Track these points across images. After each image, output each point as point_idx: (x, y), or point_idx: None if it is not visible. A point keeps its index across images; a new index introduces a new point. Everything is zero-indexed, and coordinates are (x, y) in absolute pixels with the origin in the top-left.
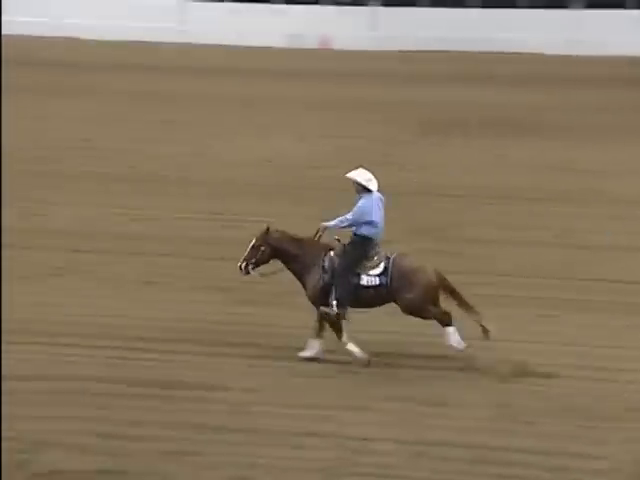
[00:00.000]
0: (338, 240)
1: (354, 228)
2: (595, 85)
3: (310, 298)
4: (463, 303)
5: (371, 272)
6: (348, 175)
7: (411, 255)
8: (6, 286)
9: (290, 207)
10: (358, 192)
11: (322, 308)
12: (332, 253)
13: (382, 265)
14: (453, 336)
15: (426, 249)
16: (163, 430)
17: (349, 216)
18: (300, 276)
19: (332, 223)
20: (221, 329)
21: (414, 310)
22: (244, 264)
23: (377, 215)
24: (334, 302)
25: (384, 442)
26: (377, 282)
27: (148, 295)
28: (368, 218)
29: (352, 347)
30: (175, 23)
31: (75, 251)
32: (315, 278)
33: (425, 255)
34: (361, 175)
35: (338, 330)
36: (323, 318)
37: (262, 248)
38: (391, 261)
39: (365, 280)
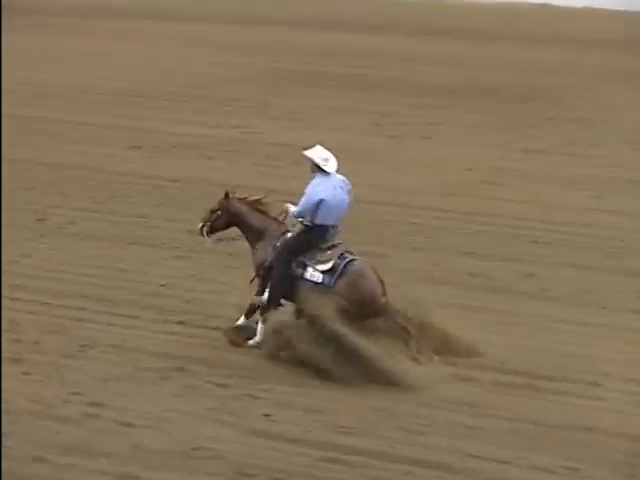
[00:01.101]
0: (302, 223)
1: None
2: None
3: (255, 271)
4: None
5: (318, 266)
6: (305, 152)
7: (369, 266)
8: None
9: None
10: (313, 172)
11: (255, 297)
12: (289, 234)
13: (331, 263)
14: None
15: None
16: None
17: (297, 207)
18: (252, 248)
19: (293, 209)
20: None
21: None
22: (200, 225)
23: (334, 200)
24: (267, 293)
25: None
26: (319, 280)
27: None
28: (318, 202)
29: (260, 328)
30: None
31: None
32: (263, 255)
33: None
34: (318, 153)
35: (251, 312)
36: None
37: (218, 212)
38: (343, 264)
39: (309, 273)
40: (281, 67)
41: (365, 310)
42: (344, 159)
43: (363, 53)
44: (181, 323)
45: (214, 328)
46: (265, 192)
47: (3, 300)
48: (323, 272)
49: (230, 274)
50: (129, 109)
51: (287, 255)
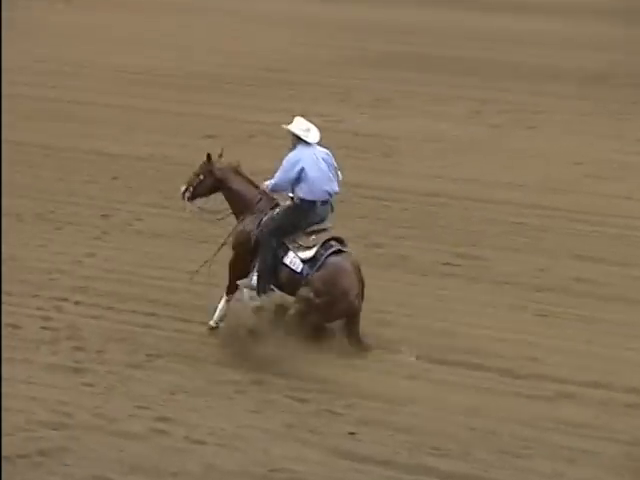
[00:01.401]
0: (292, 198)
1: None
2: None
3: (232, 244)
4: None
5: (300, 253)
6: (284, 127)
7: (354, 261)
8: None
9: None
10: (294, 145)
11: (240, 281)
12: (276, 211)
13: (314, 251)
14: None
15: None
16: None
17: (273, 179)
18: (237, 219)
19: (267, 183)
20: None
21: (307, 318)
22: (183, 189)
23: (317, 171)
24: (254, 276)
25: None
26: (298, 268)
27: None
28: (299, 172)
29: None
30: None
31: None
32: (250, 227)
33: None
34: (298, 125)
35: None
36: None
37: (200, 177)
38: (326, 254)
39: (289, 259)
40: (369, 48)
41: (334, 309)
42: (438, 150)
43: (460, 32)
44: (259, 332)
45: (295, 337)
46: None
47: (64, 304)
48: (304, 261)
49: None
50: (201, 95)
51: (269, 234)
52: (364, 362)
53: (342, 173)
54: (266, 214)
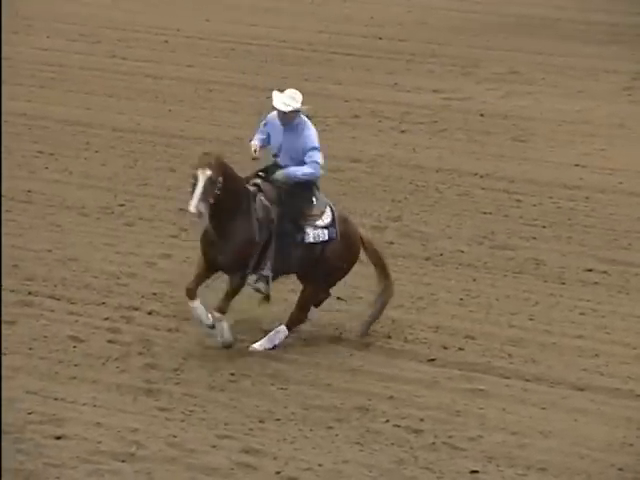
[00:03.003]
0: (260, 177)
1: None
2: None
3: (234, 257)
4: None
5: (318, 222)
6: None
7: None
8: None
9: None
10: (292, 119)
11: (255, 284)
12: (263, 198)
13: (329, 212)
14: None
15: None
16: None
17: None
18: (220, 223)
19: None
20: None
21: (328, 283)
22: (197, 202)
23: None
24: (269, 273)
25: None
26: (326, 236)
27: None
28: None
29: (225, 325)
30: None
31: None
32: (246, 230)
33: None
34: (283, 99)
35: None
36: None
37: (220, 181)
38: (333, 208)
39: (312, 235)
40: (501, 12)
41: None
42: (581, 134)
43: None
44: (362, 348)
45: (416, 354)
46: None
47: (134, 314)
48: (326, 227)
49: (426, 285)
50: (295, 67)
51: (291, 222)
52: (490, 386)
53: (463, 160)
54: (254, 206)
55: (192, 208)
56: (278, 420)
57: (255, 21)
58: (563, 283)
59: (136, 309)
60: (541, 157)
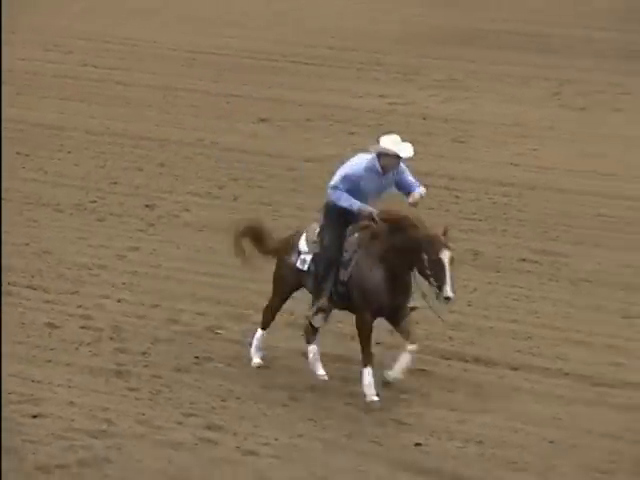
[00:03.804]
0: (374, 221)
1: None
2: None
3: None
4: None
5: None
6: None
7: None
8: None
9: None
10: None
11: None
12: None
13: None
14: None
15: None
16: None
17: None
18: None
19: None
20: None
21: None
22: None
23: None
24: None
25: None
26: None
27: None
28: None
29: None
30: None
31: None
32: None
33: None
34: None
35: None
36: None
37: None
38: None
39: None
40: (440, 24)
41: None
42: (514, 136)
43: (538, 7)
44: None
45: (352, 338)
46: None
47: (105, 302)
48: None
49: None
50: (255, 74)
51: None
52: (432, 367)
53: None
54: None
55: (451, 293)
56: (238, 399)
57: (217, 33)
58: (498, 272)
59: (107, 297)
60: (478, 157)
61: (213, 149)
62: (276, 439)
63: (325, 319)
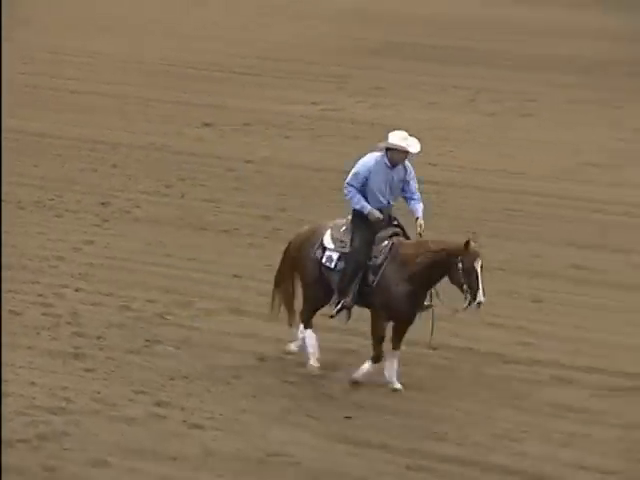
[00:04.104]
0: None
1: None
2: None
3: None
4: None
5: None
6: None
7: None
8: None
9: None
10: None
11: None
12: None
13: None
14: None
15: None
16: None
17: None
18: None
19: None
20: None
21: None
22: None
23: None
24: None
25: None
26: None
27: None
28: None
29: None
30: None
31: None
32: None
33: None
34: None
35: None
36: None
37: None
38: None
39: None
40: (365, 38)
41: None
42: (434, 139)
43: (456, 23)
44: (256, 317)
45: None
46: None
47: (64, 291)
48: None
49: None
50: (199, 83)
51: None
52: (359, 347)
53: (336, 161)
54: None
55: (483, 298)
56: (185, 378)
57: (164, 46)
58: None
59: (65, 287)
60: None
61: (161, 152)
62: (220, 414)
63: (348, 316)
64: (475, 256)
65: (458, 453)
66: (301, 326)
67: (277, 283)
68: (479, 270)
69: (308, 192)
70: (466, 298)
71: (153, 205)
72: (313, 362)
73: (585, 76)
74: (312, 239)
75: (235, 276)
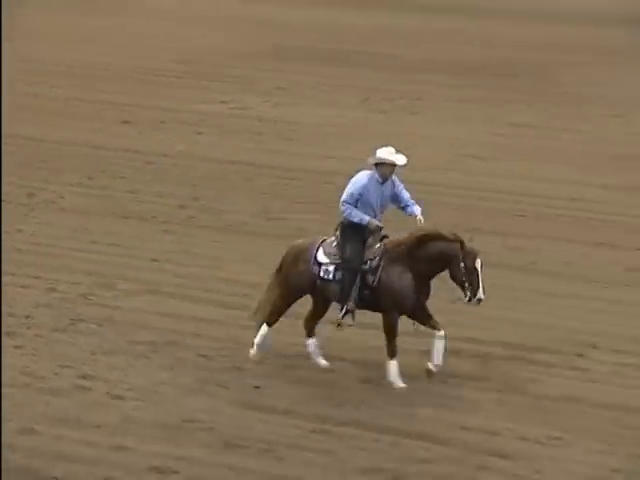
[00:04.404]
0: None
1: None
2: None
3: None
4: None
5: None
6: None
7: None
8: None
9: None
10: (389, 173)
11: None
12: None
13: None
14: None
15: None
16: None
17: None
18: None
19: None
20: None
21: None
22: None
23: None
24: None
25: None
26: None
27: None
28: None
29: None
30: None
31: None
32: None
33: None
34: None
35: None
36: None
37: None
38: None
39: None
40: (268, 43)
41: None
42: (331, 134)
43: (351, 30)
44: (173, 297)
45: (205, 301)
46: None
47: None
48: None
49: (220, 249)
50: (118, 85)
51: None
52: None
53: (244, 154)
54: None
55: (483, 295)
56: (107, 353)
57: (89, 51)
58: None
59: None
60: (303, 151)
61: (85, 147)
62: (139, 385)
63: (353, 318)
64: (475, 257)
65: (356, 417)
66: (309, 340)
67: (267, 292)
68: (480, 269)
69: (219, 183)
70: (466, 295)
71: (77, 196)
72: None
73: (465, 77)
74: (303, 256)
75: (153, 260)
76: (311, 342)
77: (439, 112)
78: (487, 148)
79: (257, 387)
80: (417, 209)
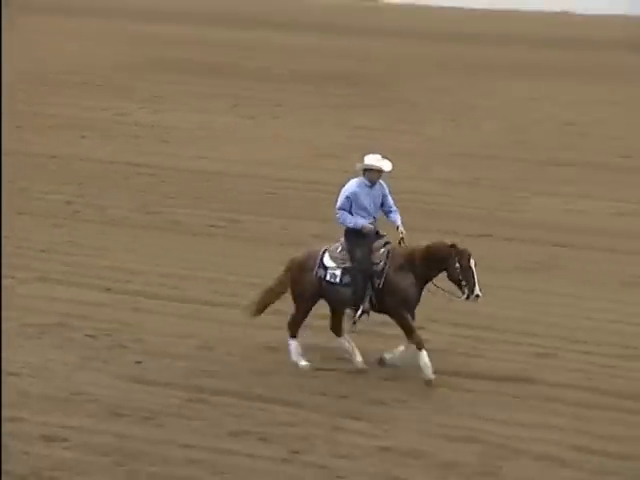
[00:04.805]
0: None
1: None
2: None
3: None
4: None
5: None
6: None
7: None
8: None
9: None
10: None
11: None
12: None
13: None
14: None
15: None
16: None
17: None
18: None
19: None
20: None
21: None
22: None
23: None
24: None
25: None
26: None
27: (629, 297)
28: None
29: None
30: None
31: (554, 245)
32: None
33: None
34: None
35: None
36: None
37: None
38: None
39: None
40: (146, 56)
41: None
42: (203, 137)
43: (220, 43)
44: (60, 283)
45: (91, 287)
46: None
47: None
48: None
49: (104, 240)
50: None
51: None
52: (151, 305)
53: (124, 156)
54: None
55: (480, 292)
56: (2, 334)
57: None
58: (195, 235)
59: None
60: (177, 152)
61: None
62: (32, 363)
63: (367, 318)
64: (469, 257)
65: (227, 387)
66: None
67: (267, 291)
68: (474, 268)
69: (102, 181)
70: (464, 292)
71: None
72: (303, 362)
73: (319, 86)
74: (307, 264)
75: (42, 251)
76: (293, 342)
77: (296, 117)
78: (338, 148)
79: (139, 362)
80: (398, 218)
